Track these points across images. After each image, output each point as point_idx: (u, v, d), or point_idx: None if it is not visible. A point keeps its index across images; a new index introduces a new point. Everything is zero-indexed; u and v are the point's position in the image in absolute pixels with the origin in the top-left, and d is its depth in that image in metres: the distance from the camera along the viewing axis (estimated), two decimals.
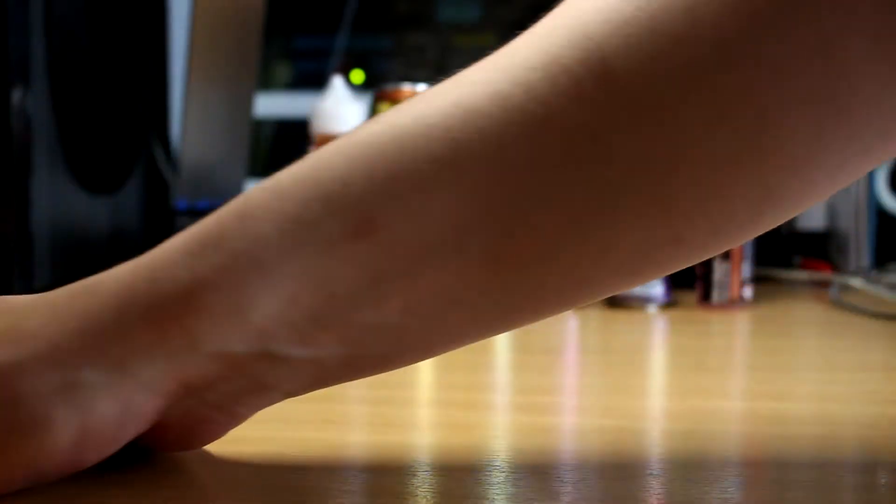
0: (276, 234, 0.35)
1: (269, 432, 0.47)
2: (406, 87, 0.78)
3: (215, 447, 0.44)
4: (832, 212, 1.07)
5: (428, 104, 0.36)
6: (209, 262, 0.35)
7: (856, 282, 0.92)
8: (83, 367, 0.34)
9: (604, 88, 0.34)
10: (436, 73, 0.85)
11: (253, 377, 0.36)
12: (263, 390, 0.37)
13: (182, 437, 0.39)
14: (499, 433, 0.47)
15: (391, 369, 0.39)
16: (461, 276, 0.35)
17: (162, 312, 0.35)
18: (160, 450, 0.40)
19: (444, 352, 0.38)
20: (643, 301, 0.82)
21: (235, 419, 0.39)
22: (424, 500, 0.38)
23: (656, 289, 0.82)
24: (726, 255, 0.81)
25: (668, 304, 0.83)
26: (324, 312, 0.35)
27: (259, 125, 1.06)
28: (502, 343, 0.72)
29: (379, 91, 0.79)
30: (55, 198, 0.82)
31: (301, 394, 0.39)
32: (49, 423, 0.34)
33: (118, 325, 0.35)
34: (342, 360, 0.37)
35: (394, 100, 0.78)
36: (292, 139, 1.06)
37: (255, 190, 0.37)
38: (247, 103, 0.89)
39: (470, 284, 0.35)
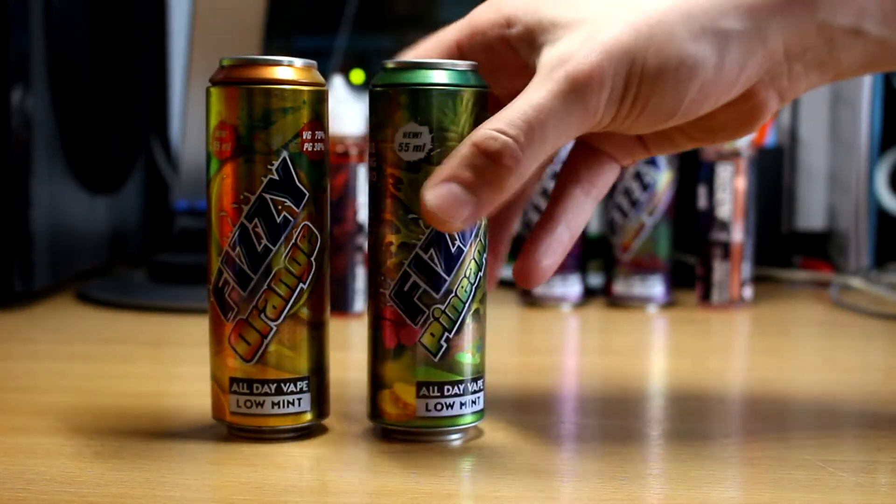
0: None
1: None
2: None
3: (216, 447, 0.44)
4: (832, 212, 1.07)
5: None
6: None
7: (856, 282, 0.92)
8: (722, 16, 0.41)
9: None
10: None
11: (829, 51, 0.43)
12: (823, 67, 0.44)
13: (743, 116, 0.45)
14: (499, 433, 0.47)
15: None
16: None
17: None
18: (716, 138, 0.47)
19: None
20: (643, 301, 0.82)
21: (784, 100, 0.45)
22: (424, 499, 0.38)
23: (656, 289, 0.82)
24: (726, 255, 0.81)
25: (668, 304, 0.83)
26: None
27: None
28: (502, 343, 0.72)
29: None
30: (55, 198, 0.82)
31: (846, 76, 0.44)
32: (692, 60, 0.41)
33: None
34: None
35: None
36: None
37: None
38: None
39: None
